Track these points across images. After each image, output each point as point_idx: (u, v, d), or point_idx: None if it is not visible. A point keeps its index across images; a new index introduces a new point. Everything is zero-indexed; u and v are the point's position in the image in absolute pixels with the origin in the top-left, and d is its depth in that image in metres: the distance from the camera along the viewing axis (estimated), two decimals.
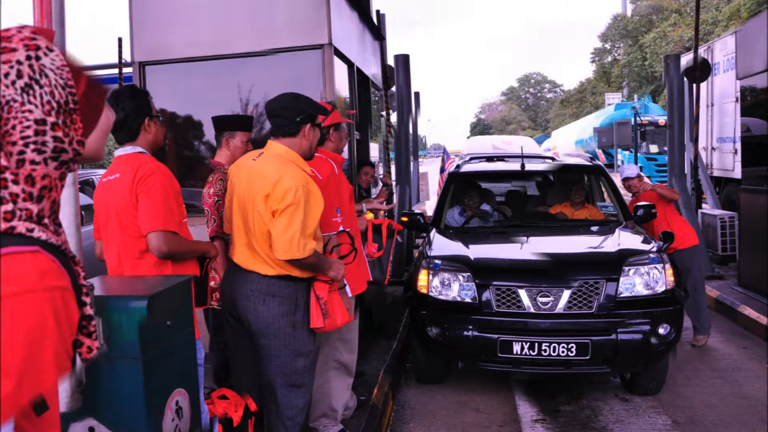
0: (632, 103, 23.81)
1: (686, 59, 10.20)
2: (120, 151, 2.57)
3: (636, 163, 14.00)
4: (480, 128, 72.05)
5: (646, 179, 6.03)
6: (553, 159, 8.17)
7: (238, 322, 2.90)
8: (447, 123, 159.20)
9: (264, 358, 2.83)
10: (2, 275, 1.04)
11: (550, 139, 33.31)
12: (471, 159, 7.75)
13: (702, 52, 10.43)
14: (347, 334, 3.42)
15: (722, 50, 10.11)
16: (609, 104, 27.76)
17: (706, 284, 6.65)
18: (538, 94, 75.78)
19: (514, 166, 6.36)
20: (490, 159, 7.73)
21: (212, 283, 3.20)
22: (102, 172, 3.76)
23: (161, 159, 2.88)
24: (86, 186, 6.22)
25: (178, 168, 4.67)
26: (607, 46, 41.63)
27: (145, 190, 2.45)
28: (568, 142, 25.99)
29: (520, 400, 4.38)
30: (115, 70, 8.90)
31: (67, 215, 1.98)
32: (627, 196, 5.75)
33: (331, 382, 3.39)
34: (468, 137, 50.60)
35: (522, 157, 6.06)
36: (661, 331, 3.98)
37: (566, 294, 4.04)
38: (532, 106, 74.17)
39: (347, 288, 3.26)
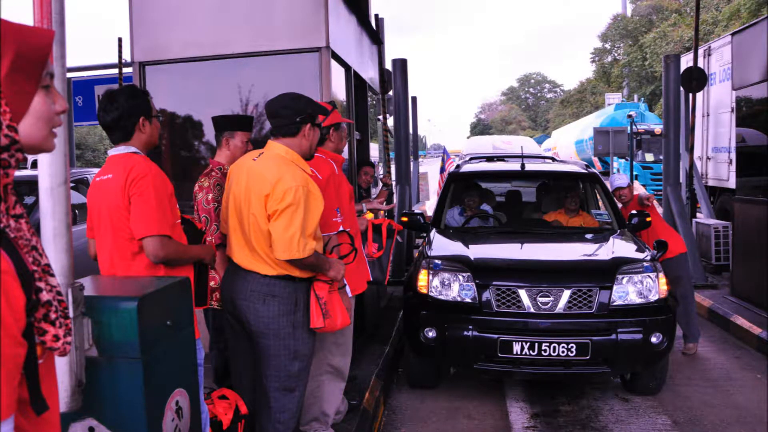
0: (632, 104, 23.80)
1: (686, 59, 10.20)
2: (113, 151, 2.54)
3: (632, 171, 14.02)
4: (480, 128, 71.98)
5: (640, 187, 6.01)
6: (553, 159, 8.20)
7: (238, 322, 2.90)
8: (447, 123, 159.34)
9: (262, 358, 2.83)
10: None
11: (550, 139, 33.25)
12: (471, 159, 7.78)
13: (701, 52, 10.43)
14: (341, 338, 3.40)
15: (718, 60, 10.15)
16: (609, 104, 27.69)
17: (699, 293, 6.67)
18: (538, 94, 75.73)
19: (514, 166, 6.37)
20: (490, 159, 7.76)
21: (212, 283, 3.19)
22: (96, 170, 3.75)
23: (156, 158, 2.85)
24: (80, 185, 6.21)
25: (173, 168, 4.67)
26: (607, 46, 41.61)
27: (137, 192, 2.43)
28: (568, 143, 25.94)
29: (512, 407, 4.35)
30: (115, 70, 8.93)
31: (58, 214, 1.98)
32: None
33: (323, 387, 3.37)
34: (468, 137, 50.65)
35: (522, 157, 6.07)
36: (653, 339, 3.99)
37: (566, 294, 4.04)
38: (532, 106, 74.13)
39: (347, 288, 3.27)
